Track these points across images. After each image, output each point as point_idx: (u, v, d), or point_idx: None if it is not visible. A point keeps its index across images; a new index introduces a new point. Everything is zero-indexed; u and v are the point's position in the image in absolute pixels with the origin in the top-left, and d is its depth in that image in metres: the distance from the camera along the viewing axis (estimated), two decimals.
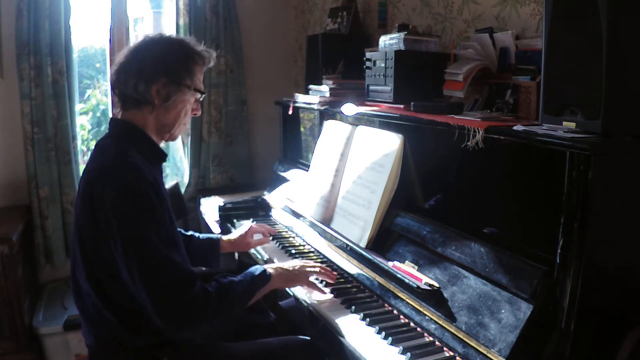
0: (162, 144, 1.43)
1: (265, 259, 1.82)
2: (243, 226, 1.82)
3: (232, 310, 1.32)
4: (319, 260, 1.75)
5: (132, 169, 1.23)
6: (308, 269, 1.48)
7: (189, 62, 1.35)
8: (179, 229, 1.70)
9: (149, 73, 1.30)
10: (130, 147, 1.30)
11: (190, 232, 1.73)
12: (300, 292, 1.52)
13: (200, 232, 1.77)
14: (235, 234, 1.80)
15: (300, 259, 1.74)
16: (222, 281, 1.32)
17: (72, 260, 1.33)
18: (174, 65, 1.32)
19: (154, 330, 1.25)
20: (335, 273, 1.53)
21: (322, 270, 1.50)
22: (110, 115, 3.06)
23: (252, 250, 1.89)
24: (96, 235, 1.22)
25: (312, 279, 1.48)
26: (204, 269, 1.76)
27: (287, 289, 1.57)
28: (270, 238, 1.91)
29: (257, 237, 1.83)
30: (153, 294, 1.20)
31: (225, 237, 1.77)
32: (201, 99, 1.43)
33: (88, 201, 1.23)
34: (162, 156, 1.42)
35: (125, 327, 1.27)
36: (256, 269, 1.40)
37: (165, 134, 1.40)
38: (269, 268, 1.43)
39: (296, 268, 1.47)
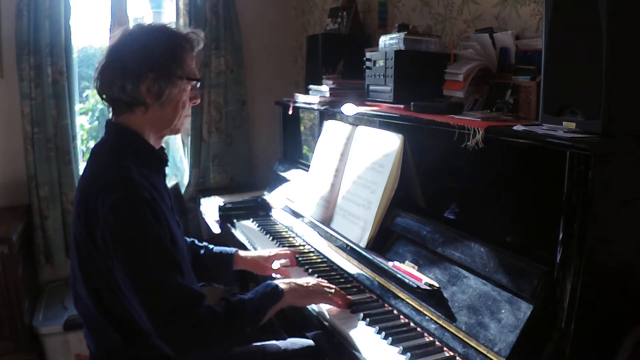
0: (164, 143, 1.37)
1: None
2: (268, 249, 1.71)
3: (244, 331, 1.22)
4: (319, 260, 1.76)
5: (126, 184, 1.16)
6: (325, 287, 1.39)
7: (175, 50, 1.24)
8: (192, 239, 1.65)
9: (134, 71, 1.19)
10: (125, 155, 1.22)
11: (204, 243, 1.64)
12: None
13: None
14: (255, 252, 1.69)
15: (313, 273, 1.63)
16: (231, 300, 1.23)
17: (71, 269, 1.28)
18: (160, 57, 1.21)
19: (157, 345, 1.21)
20: (349, 297, 1.42)
21: (336, 291, 1.40)
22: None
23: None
24: (94, 252, 1.17)
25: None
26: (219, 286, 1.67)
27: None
28: (294, 267, 1.69)
29: (278, 263, 1.68)
30: (154, 318, 1.13)
31: (242, 253, 1.65)
32: (198, 85, 1.33)
33: (83, 215, 1.18)
34: (162, 162, 1.34)
35: (130, 342, 1.22)
36: (268, 285, 1.31)
37: (164, 129, 1.31)
38: (282, 283, 1.34)
39: (311, 284, 1.37)
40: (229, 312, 1.20)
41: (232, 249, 1.66)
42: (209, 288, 1.65)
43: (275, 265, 1.65)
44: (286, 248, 1.74)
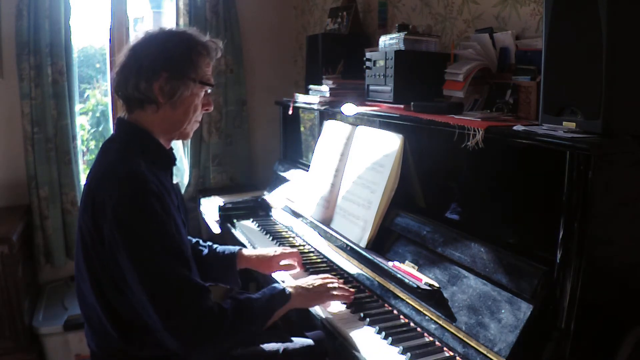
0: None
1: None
2: (273, 248, 1.70)
3: (250, 329, 1.24)
4: (319, 260, 1.76)
5: (135, 178, 1.17)
6: (329, 285, 1.41)
7: (191, 53, 1.27)
8: (196, 239, 1.65)
9: (148, 69, 1.22)
10: (135, 152, 1.24)
11: (208, 243, 1.65)
12: None
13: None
14: (260, 250, 1.69)
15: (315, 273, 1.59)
16: (239, 297, 1.25)
17: (76, 267, 1.28)
18: (175, 58, 1.24)
19: (158, 344, 1.20)
20: (353, 290, 1.45)
21: (340, 285, 1.43)
22: (110, 116, 3.06)
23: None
24: (100, 247, 1.17)
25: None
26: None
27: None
28: (298, 270, 1.68)
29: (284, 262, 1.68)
30: (160, 309, 1.13)
31: (247, 252, 1.65)
32: (210, 92, 1.34)
33: (90, 209, 1.18)
34: (171, 161, 1.36)
35: (129, 341, 1.22)
36: (275, 287, 1.34)
37: (174, 132, 1.32)
38: (289, 287, 1.36)
39: (316, 285, 1.39)
40: (236, 309, 1.21)
41: (235, 248, 1.65)
42: (212, 287, 1.64)
43: (282, 263, 1.65)
44: (289, 248, 1.73)
